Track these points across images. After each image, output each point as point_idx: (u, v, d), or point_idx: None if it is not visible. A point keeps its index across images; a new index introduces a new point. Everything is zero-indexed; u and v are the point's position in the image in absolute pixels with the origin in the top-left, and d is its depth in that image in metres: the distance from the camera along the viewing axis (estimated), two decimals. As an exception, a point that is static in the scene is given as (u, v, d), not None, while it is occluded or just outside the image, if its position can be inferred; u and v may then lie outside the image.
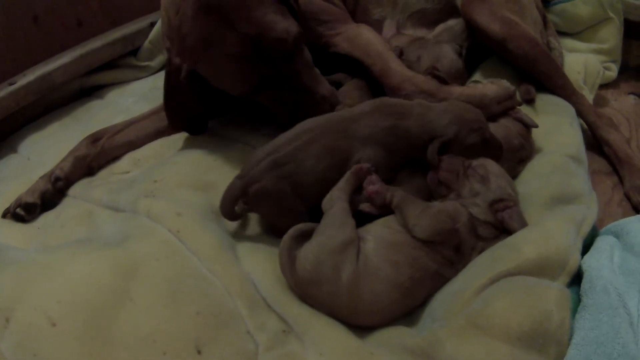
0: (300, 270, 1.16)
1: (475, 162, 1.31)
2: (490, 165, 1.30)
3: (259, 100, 1.52)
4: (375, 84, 1.70)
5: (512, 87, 1.63)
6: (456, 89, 1.63)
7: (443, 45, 1.85)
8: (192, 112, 1.62)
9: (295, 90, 1.47)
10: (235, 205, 1.30)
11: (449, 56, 1.82)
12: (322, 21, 1.72)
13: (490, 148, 1.40)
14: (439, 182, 1.29)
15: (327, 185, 1.29)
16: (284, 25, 1.41)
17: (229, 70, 1.43)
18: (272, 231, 1.35)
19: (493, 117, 1.57)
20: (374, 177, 1.27)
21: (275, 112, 1.53)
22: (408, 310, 1.18)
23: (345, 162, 1.32)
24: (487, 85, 1.65)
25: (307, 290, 1.17)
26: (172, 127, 1.71)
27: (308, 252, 1.17)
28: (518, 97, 1.65)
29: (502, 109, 1.60)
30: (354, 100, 1.61)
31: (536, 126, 1.56)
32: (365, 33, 1.74)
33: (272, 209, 1.32)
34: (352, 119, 1.38)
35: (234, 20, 1.36)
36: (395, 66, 1.66)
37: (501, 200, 1.25)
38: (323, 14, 1.73)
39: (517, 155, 1.50)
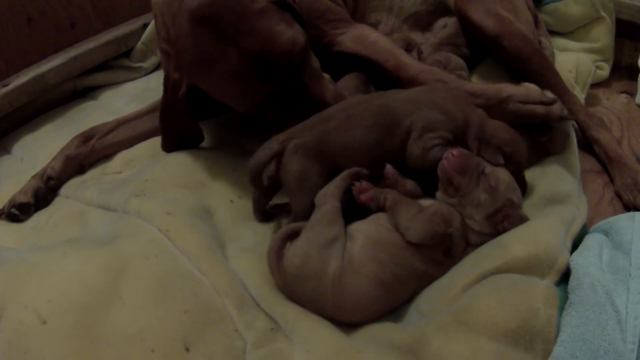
0: (288, 266, 1.17)
1: (488, 169, 1.28)
2: (502, 175, 1.28)
3: (265, 115, 1.46)
4: (379, 82, 1.71)
5: (552, 96, 1.51)
6: (469, 82, 1.62)
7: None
8: (187, 133, 1.60)
9: (304, 104, 1.41)
10: (267, 166, 1.29)
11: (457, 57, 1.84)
12: (328, 20, 1.70)
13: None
14: (450, 183, 1.25)
15: (371, 147, 1.30)
16: (289, 35, 1.32)
17: (230, 88, 1.36)
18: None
19: (517, 120, 1.50)
20: (364, 184, 1.25)
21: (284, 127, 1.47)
22: (393, 307, 1.18)
23: (394, 123, 1.32)
24: (509, 84, 1.60)
25: (293, 287, 1.17)
26: (165, 149, 1.64)
27: (297, 247, 1.18)
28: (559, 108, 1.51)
29: (528, 111, 1.50)
30: (352, 89, 1.64)
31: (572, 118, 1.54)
32: (370, 32, 1.73)
33: (304, 174, 1.28)
34: (400, 90, 1.40)
35: (234, 34, 1.27)
36: (409, 60, 1.66)
37: (502, 208, 1.23)
38: (330, 14, 1.71)
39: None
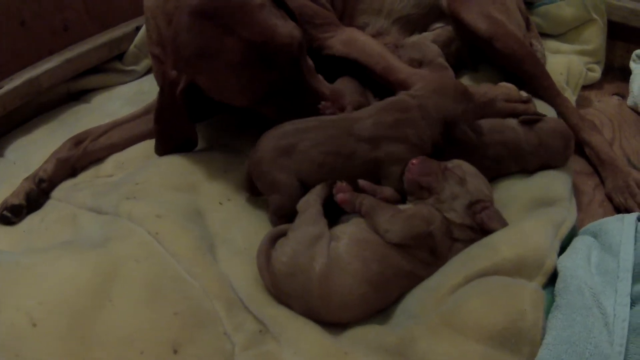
0: (277, 264, 1.18)
1: (450, 164, 1.31)
2: (466, 166, 1.31)
3: (262, 111, 1.47)
4: (372, 84, 1.72)
5: (527, 95, 1.63)
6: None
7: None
8: (183, 135, 1.57)
9: (303, 97, 1.43)
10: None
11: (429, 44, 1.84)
12: (316, 24, 1.70)
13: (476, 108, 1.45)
14: (420, 186, 1.28)
15: (321, 169, 1.33)
16: (288, 29, 1.36)
17: (231, 81, 1.36)
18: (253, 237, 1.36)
19: (501, 115, 1.57)
20: (344, 185, 1.28)
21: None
22: (381, 306, 1.19)
23: (348, 158, 1.34)
24: (490, 85, 1.68)
25: (282, 285, 1.18)
26: (159, 153, 1.62)
27: (285, 246, 1.20)
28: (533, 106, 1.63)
29: (511, 108, 1.59)
30: (351, 95, 1.63)
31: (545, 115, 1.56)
32: (360, 36, 1.74)
33: (265, 179, 1.36)
34: (356, 118, 1.40)
35: (235, 26, 1.30)
36: (398, 63, 1.68)
37: (478, 201, 1.25)
38: (317, 18, 1.72)
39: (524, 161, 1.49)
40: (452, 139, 1.39)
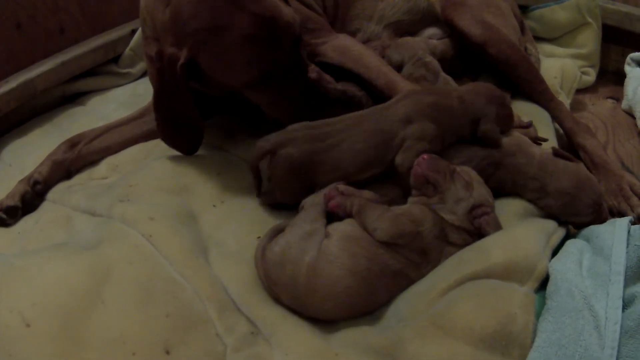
0: (269, 254, 1.21)
1: (459, 168, 1.32)
2: (473, 174, 1.32)
3: (258, 97, 1.48)
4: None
5: (527, 121, 1.61)
6: None
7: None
8: (187, 119, 1.53)
9: (303, 78, 1.46)
10: (260, 161, 1.40)
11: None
12: (308, 29, 1.70)
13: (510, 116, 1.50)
14: (427, 182, 1.29)
15: (365, 164, 1.38)
16: (290, 11, 1.40)
17: (237, 55, 1.37)
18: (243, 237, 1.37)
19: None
20: (332, 191, 1.30)
21: (277, 113, 1.51)
22: (367, 305, 1.20)
23: (388, 142, 1.38)
24: None
25: (272, 275, 1.20)
26: (168, 142, 1.60)
27: (280, 238, 1.23)
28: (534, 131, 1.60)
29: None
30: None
31: (546, 140, 1.57)
32: (353, 44, 1.75)
33: (285, 177, 1.39)
34: (390, 105, 1.45)
35: (245, 2, 1.33)
36: (399, 79, 1.68)
37: (480, 206, 1.26)
38: (310, 22, 1.72)
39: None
40: (476, 136, 1.43)
